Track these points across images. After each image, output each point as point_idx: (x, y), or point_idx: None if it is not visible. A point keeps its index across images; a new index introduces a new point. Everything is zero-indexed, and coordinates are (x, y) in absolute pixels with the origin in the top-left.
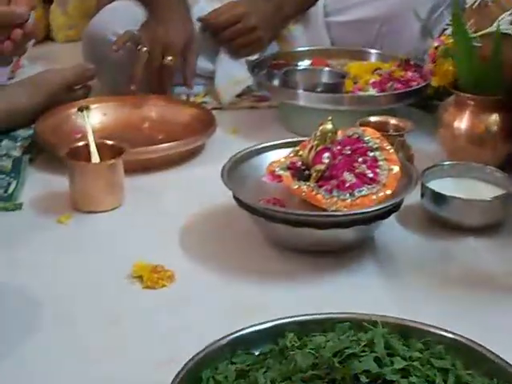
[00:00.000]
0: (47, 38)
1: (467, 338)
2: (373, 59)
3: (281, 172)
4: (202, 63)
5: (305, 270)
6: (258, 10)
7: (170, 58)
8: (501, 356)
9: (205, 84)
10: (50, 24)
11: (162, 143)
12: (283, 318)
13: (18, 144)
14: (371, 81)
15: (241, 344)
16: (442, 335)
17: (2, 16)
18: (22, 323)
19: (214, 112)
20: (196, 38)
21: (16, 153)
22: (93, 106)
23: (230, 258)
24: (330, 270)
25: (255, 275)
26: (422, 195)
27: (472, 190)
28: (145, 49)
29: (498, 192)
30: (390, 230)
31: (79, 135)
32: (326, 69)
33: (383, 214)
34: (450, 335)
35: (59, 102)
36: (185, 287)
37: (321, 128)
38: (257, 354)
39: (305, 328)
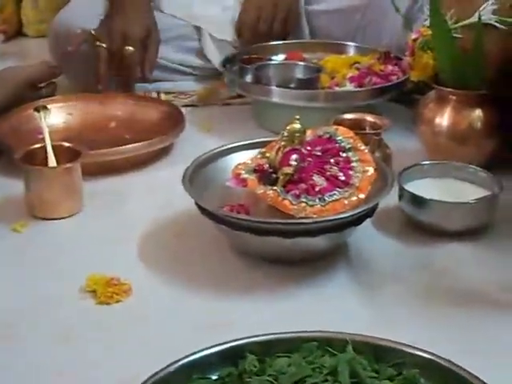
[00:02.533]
0: (19, 33)
1: (445, 359)
2: (351, 52)
3: (246, 175)
4: (172, 54)
5: (272, 282)
6: None
7: (130, 48)
8: (482, 379)
9: (174, 80)
10: (21, 19)
11: (129, 143)
12: (244, 338)
13: None
14: (349, 75)
15: (197, 368)
16: (417, 355)
17: None
18: None
19: (185, 109)
20: (157, 28)
21: None
22: (57, 105)
23: (192, 269)
24: (300, 281)
25: (219, 288)
26: (400, 198)
27: (454, 191)
28: (103, 45)
29: (483, 193)
30: (364, 236)
31: (41, 136)
32: (301, 63)
33: (356, 221)
34: (426, 355)
35: (22, 101)
36: (142, 302)
37: (288, 128)
38: (214, 378)
39: (268, 348)
